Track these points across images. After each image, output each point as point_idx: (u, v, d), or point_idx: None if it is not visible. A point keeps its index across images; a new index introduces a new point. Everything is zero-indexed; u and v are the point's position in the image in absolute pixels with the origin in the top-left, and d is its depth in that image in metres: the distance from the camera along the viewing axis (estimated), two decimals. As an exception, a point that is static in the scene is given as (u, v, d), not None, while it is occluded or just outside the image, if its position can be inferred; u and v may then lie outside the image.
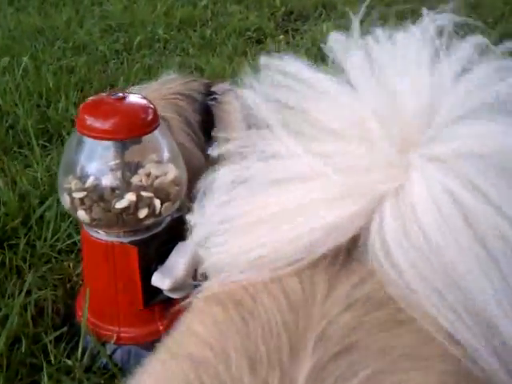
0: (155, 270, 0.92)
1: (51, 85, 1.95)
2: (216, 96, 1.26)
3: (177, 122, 1.15)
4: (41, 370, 0.94)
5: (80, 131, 0.84)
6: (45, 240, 1.23)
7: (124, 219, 0.86)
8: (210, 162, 1.20)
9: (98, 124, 0.83)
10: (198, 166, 1.18)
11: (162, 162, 0.93)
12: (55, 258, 1.21)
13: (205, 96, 1.24)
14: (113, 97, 0.85)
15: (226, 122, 1.24)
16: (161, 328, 0.96)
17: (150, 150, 0.93)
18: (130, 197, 0.86)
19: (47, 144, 1.64)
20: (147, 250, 0.91)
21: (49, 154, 1.58)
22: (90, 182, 0.88)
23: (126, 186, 0.88)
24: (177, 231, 0.97)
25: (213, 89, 1.29)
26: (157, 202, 0.87)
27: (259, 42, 2.79)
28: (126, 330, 0.97)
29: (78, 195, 0.87)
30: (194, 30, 2.83)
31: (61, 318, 1.08)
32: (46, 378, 0.91)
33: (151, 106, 0.89)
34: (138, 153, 0.91)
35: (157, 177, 0.91)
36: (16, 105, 1.81)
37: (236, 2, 3.50)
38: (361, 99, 0.46)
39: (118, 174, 0.89)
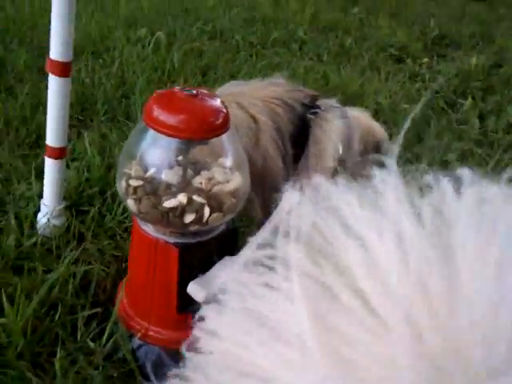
0: (195, 278, 0.87)
1: (176, 64, 1.97)
2: (318, 111, 1.18)
3: (268, 127, 1.11)
4: (63, 343, 0.93)
5: (145, 121, 0.80)
6: (115, 215, 1.23)
7: (169, 219, 0.82)
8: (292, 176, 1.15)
9: (163, 117, 0.78)
10: (278, 177, 1.12)
11: (226, 169, 0.87)
12: (119, 235, 1.21)
13: (306, 108, 1.17)
14: (185, 92, 0.81)
15: (319, 140, 1.17)
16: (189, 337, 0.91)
17: (216, 153, 0.87)
18: (181, 198, 0.81)
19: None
20: (190, 256, 0.86)
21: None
22: (149, 173, 0.85)
23: (184, 186, 0.83)
24: (228, 244, 0.91)
25: (318, 102, 1.21)
26: (206, 211, 0.81)
27: (400, 60, 2.65)
28: (155, 330, 0.92)
29: (134, 183, 0.84)
30: (336, 37, 2.75)
31: (104, 297, 1.07)
32: (60, 353, 0.89)
33: (223, 108, 0.83)
34: (204, 154, 0.87)
35: (218, 183, 0.85)
36: (137, 76, 1.85)
37: (390, 15, 3.37)
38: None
39: (179, 170, 0.85)
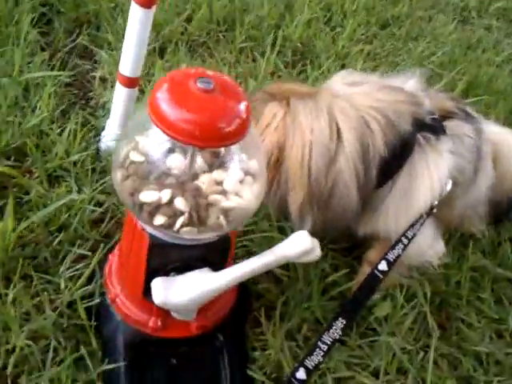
0: (166, 274, 0.80)
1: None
2: (430, 135, 0.96)
3: (351, 149, 0.92)
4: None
5: (148, 110, 0.71)
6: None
7: (141, 212, 0.75)
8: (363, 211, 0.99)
9: (165, 113, 0.68)
10: (347, 209, 0.95)
11: (238, 181, 0.77)
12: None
13: (417, 128, 0.95)
14: (199, 86, 0.69)
15: (414, 175, 0.96)
16: (150, 324, 0.87)
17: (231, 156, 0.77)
18: (162, 195, 0.73)
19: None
20: (162, 252, 0.79)
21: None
22: (154, 153, 0.76)
23: (184, 179, 0.75)
24: (216, 252, 0.83)
25: (447, 122, 1.00)
26: (179, 220, 0.73)
27: None
28: (122, 301, 0.89)
29: (134, 156, 0.76)
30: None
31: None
32: (27, 279, 0.89)
33: (242, 111, 0.71)
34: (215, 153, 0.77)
35: (222, 192, 0.76)
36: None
37: None
38: None
39: (181, 160, 0.76)
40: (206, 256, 0.81)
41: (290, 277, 1.03)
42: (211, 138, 0.70)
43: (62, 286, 0.93)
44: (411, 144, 0.95)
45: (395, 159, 0.94)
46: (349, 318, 0.85)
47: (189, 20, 1.63)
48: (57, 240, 1.00)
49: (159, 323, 0.88)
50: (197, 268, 0.81)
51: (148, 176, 0.75)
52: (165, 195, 0.73)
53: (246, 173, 0.79)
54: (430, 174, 0.98)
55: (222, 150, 0.78)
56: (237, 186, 0.77)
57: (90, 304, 0.91)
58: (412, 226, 0.97)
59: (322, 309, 0.99)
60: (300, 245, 0.75)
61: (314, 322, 0.98)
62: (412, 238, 0.96)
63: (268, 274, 1.02)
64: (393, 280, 1.04)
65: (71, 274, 0.95)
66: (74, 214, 1.04)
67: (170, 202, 0.73)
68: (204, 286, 0.79)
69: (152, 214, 0.74)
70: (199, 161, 0.77)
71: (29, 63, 1.34)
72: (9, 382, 0.82)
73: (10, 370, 0.83)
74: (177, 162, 0.76)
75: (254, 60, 1.57)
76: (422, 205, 0.98)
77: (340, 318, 0.85)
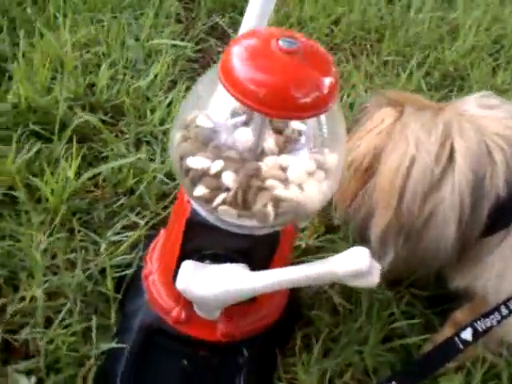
0: (201, 260, 0.70)
1: None
2: None
3: (462, 174, 0.75)
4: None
5: (219, 74, 0.59)
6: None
7: (185, 178, 0.65)
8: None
9: (235, 75, 0.57)
10: (440, 248, 0.78)
11: (304, 171, 0.64)
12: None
13: None
14: (281, 43, 0.58)
15: None
16: (173, 314, 0.77)
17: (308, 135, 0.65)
18: (214, 164, 0.62)
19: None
20: (199, 229, 0.68)
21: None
22: (224, 120, 0.67)
23: (246, 155, 0.64)
24: (260, 249, 0.70)
25: None
26: (220, 196, 0.61)
27: None
28: (153, 279, 0.80)
29: (201, 122, 0.66)
30: None
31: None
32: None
33: (326, 82, 0.58)
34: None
35: (285, 181, 0.63)
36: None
37: None
38: None
39: (250, 135, 0.65)
40: (248, 251, 0.68)
41: (352, 311, 0.87)
42: (279, 105, 0.57)
43: (102, 248, 0.86)
44: None
45: None
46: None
47: (336, 23, 1.52)
48: (119, 202, 0.95)
49: (183, 316, 0.77)
50: (234, 262, 0.69)
51: (208, 143, 0.65)
52: (215, 166, 0.62)
53: (320, 166, 0.66)
54: None
55: (296, 133, 0.66)
56: (303, 177, 0.64)
57: (123, 274, 0.83)
58: None
59: (375, 358, 0.81)
60: (354, 263, 0.60)
61: (362, 371, 0.81)
62: None
63: (327, 302, 0.87)
64: (475, 352, 0.84)
65: (117, 239, 0.88)
66: (145, 181, 0.98)
67: (219, 174, 0.63)
68: (232, 283, 0.67)
69: (194, 183, 0.63)
70: (270, 141, 0.66)
71: (161, 32, 1.32)
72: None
73: (17, 318, 0.77)
74: (244, 136, 0.65)
75: (397, 75, 1.42)
76: None
77: (394, 383, 0.68)
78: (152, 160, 1.03)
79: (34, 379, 0.71)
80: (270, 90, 0.57)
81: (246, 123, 0.66)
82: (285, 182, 0.64)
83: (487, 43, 1.56)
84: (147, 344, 0.76)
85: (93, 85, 1.13)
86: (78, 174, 0.94)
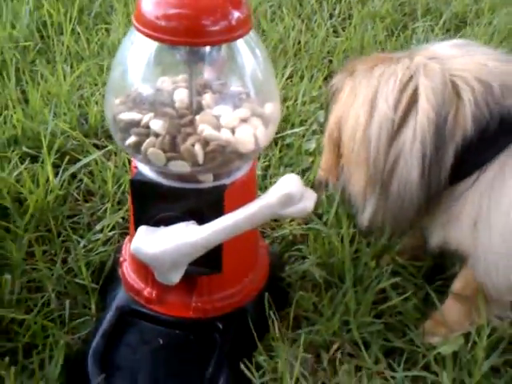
0: (154, 225, 0.70)
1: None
2: None
3: (424, 115, 0.70)
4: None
5: (133, 22, 0.62)
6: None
7: (118, 131, 0.67)
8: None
9: (148, 14, 0.60)
10: (405, 199, 0.73)
11: (237, 117, 0.65)
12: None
13: None
14: None
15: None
16: (144, 293, 0.76)
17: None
18: (144, 116, 0.64)
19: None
20: (145, 189, 0.69)
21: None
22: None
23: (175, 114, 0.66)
24: (199, 210, 0.70)
25: None
26: (147, 141, 0.63)
27: None
28: (126, 267, 0.80)
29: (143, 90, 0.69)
30: None
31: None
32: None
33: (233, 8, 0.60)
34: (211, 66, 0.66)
35: (218, 126, 0.64)
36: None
37: None
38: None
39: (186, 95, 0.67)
40: (196, 209, 0.69)
41: (337, 285, 0.83)
42: (197, 31, 0.59)
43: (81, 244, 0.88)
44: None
45: (485, 142, 0.69)
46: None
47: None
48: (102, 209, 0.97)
49: (154, 295, 0.76)
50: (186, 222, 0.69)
51: (144, 102, 0.67)
52: (146, 117, 0.65)
53: (256, 114, 0.67)
54: None
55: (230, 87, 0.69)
56: (234, 122, 0.65)
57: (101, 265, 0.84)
58: None
59: (364, 329, 0.77)
60: (284, 187, 0.58)
61: (350, 344, 0.76)
62: None
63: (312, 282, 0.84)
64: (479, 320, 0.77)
65: (97, 238, 0.90)
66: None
67: (146, 125, 0.64)
68: (179, 237, 0.66)
69: (125, 134, 0.65)
70: (206, 97, 0.67)
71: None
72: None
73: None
74: (180, 96, 0.67)
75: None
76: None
77: None
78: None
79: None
80: (181, 19, 0.59)
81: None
82: (216, 126, 0.65)
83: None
84: (121, 324, 0.75)
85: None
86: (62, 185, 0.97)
